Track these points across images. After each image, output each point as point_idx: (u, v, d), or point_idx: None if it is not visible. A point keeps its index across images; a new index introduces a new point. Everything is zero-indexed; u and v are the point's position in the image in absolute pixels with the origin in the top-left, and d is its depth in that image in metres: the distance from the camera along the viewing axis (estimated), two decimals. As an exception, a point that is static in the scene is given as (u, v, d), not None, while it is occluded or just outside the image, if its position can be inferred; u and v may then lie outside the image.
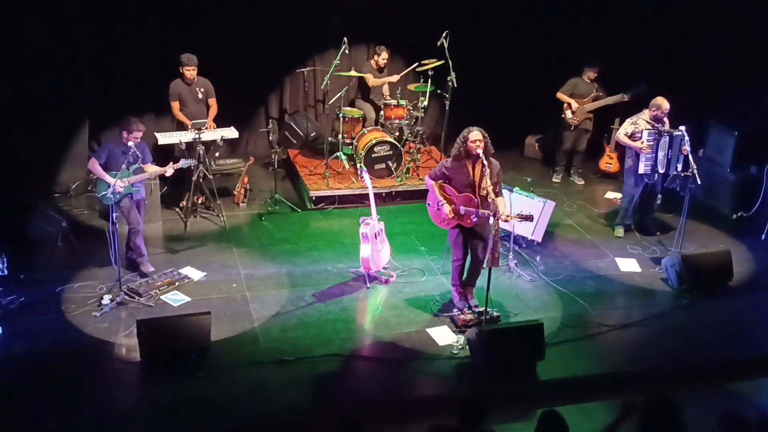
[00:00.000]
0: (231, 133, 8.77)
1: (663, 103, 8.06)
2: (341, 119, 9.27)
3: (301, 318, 6.84)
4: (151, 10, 9.14)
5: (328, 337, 6.58)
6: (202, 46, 8.88)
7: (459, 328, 6.70)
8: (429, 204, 6.76)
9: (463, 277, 6.95)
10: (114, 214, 6.72)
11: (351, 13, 9.88)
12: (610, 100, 9.64)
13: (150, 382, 6.02)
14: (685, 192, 7.91)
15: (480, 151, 6.34)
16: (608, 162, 10.24)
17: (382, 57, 9.66)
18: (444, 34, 9.07)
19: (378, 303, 7.19)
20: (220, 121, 8.77)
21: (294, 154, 10.08)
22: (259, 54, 9.95)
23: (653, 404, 4.21)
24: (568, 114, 9.73)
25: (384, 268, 7.52)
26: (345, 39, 9.07)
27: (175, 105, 8.52)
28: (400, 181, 9.28)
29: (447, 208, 6.53)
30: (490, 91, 10.60)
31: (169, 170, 7.31)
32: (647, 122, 8.12)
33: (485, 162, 6.34)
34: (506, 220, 6.38)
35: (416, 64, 9.61)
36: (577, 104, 9.66)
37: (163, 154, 8.71)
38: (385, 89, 9.84)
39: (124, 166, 6.87)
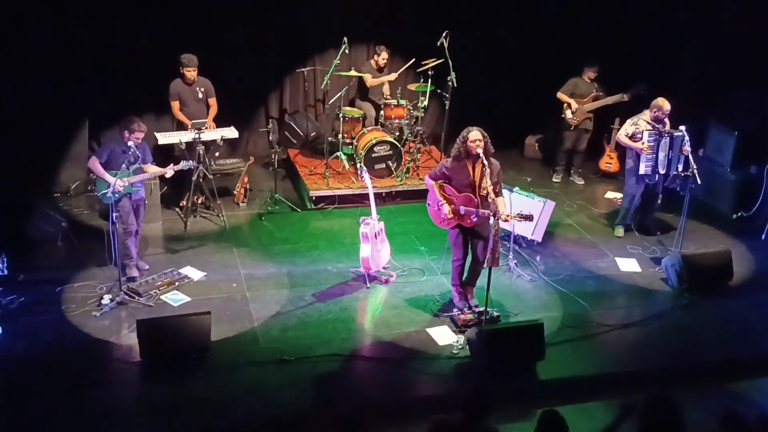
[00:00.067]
0: (231, 133, 8.77)
1: (664, 104, 8.06)
2: (341, 119, 9.27)
3: (301, 318, 6.84)
4: (151, 10, 9.14)
5: (328, 337, 6.58)
6: (202, 46, 8.88)
7: (459, 328, 6.70)
8: (429, 204, 6.76)
9: (463, 277, 6.96)
10: (114, 214, 6.71)
11: (351, 13, 9.88)
12: (609, 100, 9.64)
13: (150, 382, 6.02)
14: (685, 192, 7.91)
15: (480, 151, 6.34)
16: (608, 162, 10.24)
17: (382, 57, 9.67)
18: (444, 34, 9.07)
19: (378, 303, 7.19)
20: (220, 121, 8.77)
21: (294, 154, 10.08)
22: (259, 54, 9.95)
23: (653, 404, 4.21)
24: (568, 114, 9.73)
25: (384, 268, 7.52)
26: (345, 39, 9.07)
27: (175, 105, 8.52)
28: (400, 181, 9.29)
29: (447, 208, 6.53)
30: (490, 91, 10.59)
31: (169, 171, 7.31)
32: (648, 123, 8.12)
33: (485, 162, 6.34)
34: (506, 220, 6.38)
35: (413, 60, 9.62)
36: (577, 104, 9.66)
37: (163, 154, 8.72)
38: (386, 89, 9.84)
39: (124, 165, 6.87)
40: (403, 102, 9.45)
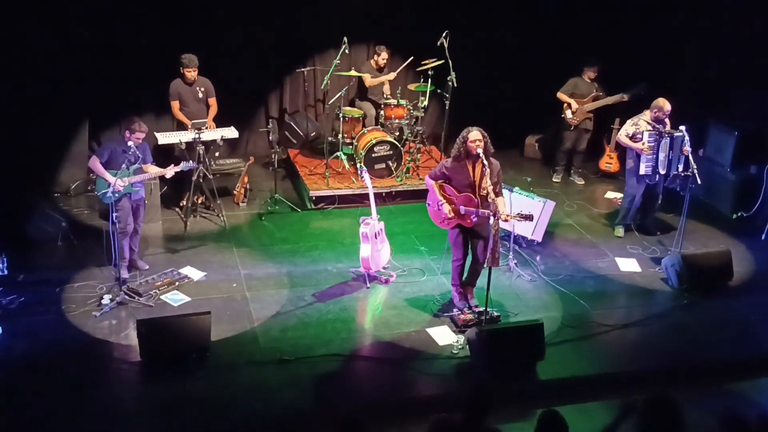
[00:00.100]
0: (231, 132, 8.77)
1: (664, 104, 8.06)
2: (341, 119, 9.28)
3: (301, 318, 6.84)
4: (151, 10, 9.14)
5: (328, 337, 6.58)
6: (202, 46, 8.88)
7: (459, 328, 6.70)
8: (429, 204, 6.76)
9: (463, 277, 6.96)
10: (114, 214, 6.72)
11: (351, 13, 9.87)
12: (609, 100, 9.64)
13: (150, 382, 6.02)
14: (685, 192, 7.92)
15: (480, 151, 6.34)
16: (608, 162, 10.24)
17: (382, 57, 9.67)
18: (444, 34, 9.07)
19: (378, 303, 7.19)
20: (220, 121, 8.77)
21: (294, 153, 10.08)
22: (259, 54, 9.95)
23: (653, 404, 4.21)
24: (568, 114, 9.73)
25: (384, 268, 7.52)
26: (345, 39, 9.07)
27: (175, 104, 8.52)
28: (400, 180, 9.29)
29: (447, 208, 6.53)
30: (490, 91, 10.59)
31: (169, 172, 7.31)
32: (648, 123, 8.12)
33: (485, 162, 6.34)
34: (506, 220, 6.38)
35: (411, 58, 9.61)
36: (577, 104, 9.66)
37: (163, 155, 8.72)
38: (386, 88, 9.84)
39: (124, 165, 6.87)
40: (403, 102, 9.46)
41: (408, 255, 7.97)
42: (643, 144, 8.07)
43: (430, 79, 9.34)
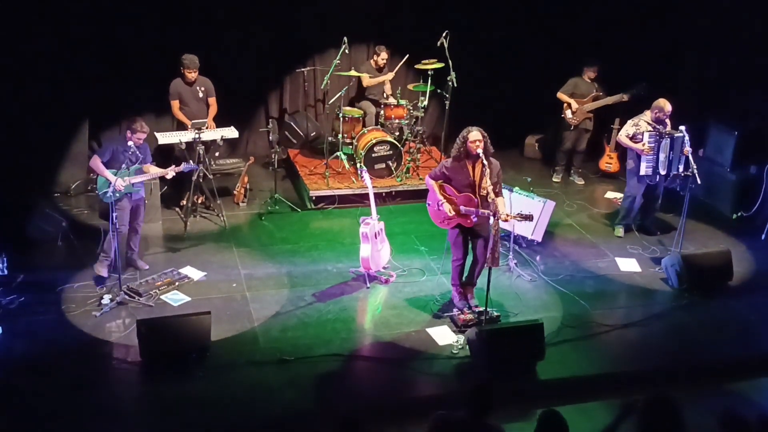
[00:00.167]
0: (231, 132, 8.77)
1: (665, 105, 8.05)
2: (341, 119, 9.28)
3: (301, 318, 6.84)
4: (151, 10, 9.14)
5: (328, 337, 6.58)
6: (202, 46, 8.88)
7: (459, 328, 6.70)
8: (429, 204, 6.76)
9: (463, 277, 6.96)
10: (114, 214, 6.72)
11: (351, 13, 9.87)
12: (609, 100, 9.64)
13: (150, 382, 6.02)
14: (685, 192, 7.92)
15: (480, 151, 6.34)
16: (608, 162, 10.24)
17: (382, 57, 9.67)
18: (444, 34, 9.07)
19: (378, 303, 7.19)
20: (220, 121, 8.77)
21: (294, 153, 10.08)
22: (259, 54, 9.95)
23: (653, 404, 4.21)
24: (568, 114, 9.73)
25: (384, 267, 7.52)
26: (345, 39, 9.07)
27: (175, 104, 8.52)
28: (400, 180, 9.29)
29: (447, 207, 6.53)
30: (490, 91, 10.59)
31: (170, 173, 7.30)
32: (648, 124, 8.12)
33: (485, 162, 6.34)
34: (506, 220, 6.38)
35: (407, 56, 9.61)
36: (577, 104, 9.66)
37: (163, 155, 8.73)
38: (387, 88, 9.83)
39: (124, 165, 6.87)
40: (403, 102, 9.46)
41: (408, 255, 7.97)
42: (644, 144, 8.07)
43: (430, 79, 9.34)
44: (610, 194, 9.76)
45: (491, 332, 6.25)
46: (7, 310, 6.67)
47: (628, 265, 7.98)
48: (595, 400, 6.05)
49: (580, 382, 6.24)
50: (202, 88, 8.56)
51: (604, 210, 9.32)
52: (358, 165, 8.94)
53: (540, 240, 8.15)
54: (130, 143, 6.86)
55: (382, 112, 9.55)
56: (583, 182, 10.12)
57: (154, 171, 7.26)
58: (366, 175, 7.46)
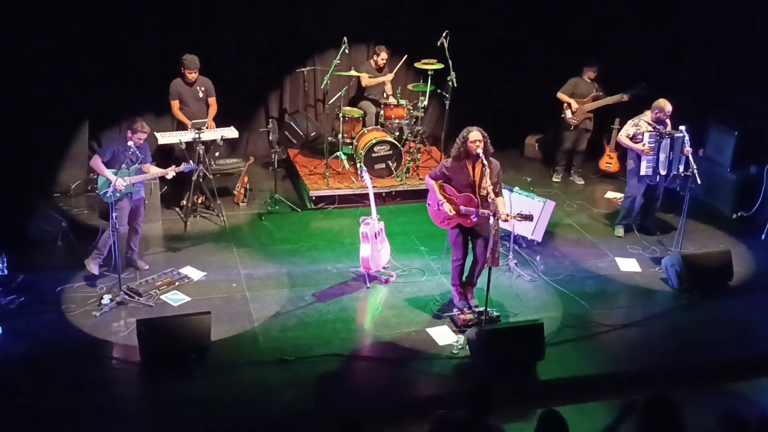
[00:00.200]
0: (231, 132, 8.77)
1: (666, 105, 8.05)
2: (341, 119, 9.28)
3: (301, 318, 6.84)
4: (151, 10, 9.13)
5: (328, 337, 6.58)
6: (202, 46, 8.88)
7: (459, 328, 6.70)
8: (429, 204, 6.76)
9: (463, 277, 6.96)
10: (114, 214, 6.72)
11: (351, 13, 9.87)
12: (609, 100, 9.63)
13: (150, 382, 6.02)
14: (685, 192, 7.92)
15: (480, 151, 6.34)
16: (608, 162, 10.24)
17: (381, 57, 9.66)
18: (444, 34, 9.07)
19: (378, 303, 7.19)
20: (220, 121, 8.77)
21: (294, 153, 10.08)
22: (259, 54, 9.95)
23: (653, 404, 4.21)
24: (568, 114, 9.73)
25: (384, 267, 7.52)
26: (345, 39, 9.07)
27: (175, 104, 8.52)
28: (400, 180, 9.29)
29: (447, 207, 6.53)
30: (490, 91, 10.59)
31: (170, 173, 7.30)
32: (649, 124, 8.12)
33: (485, 162, 6.34)
34: (506, 220, 6.38)
35: (405, 56, 9.61)
36: (577, 104, 9.66)
37: (163, 155, 8.73)
38: (388, 88, 9.81)
39: (124, 165, 6.87)
40: (403, 102, 9.46)
41: (408, 255, 7.97)
42: (644, 145, 8.07)
43: (429, 79, 9.34)
44: (610, 194, 9.76)
45: (491, 332, 6.25)
46: (7, 310, 6.67)
47: (628, 265, 7.98)
48: (595, 400, 6.05)
49: (580, 382, 6.24)
50: (203, 88, 8.56)
51: (604, 210, 9.32)
52: (358, 165, 8.94)
53: (540, 240, 8.15)
54: (130, 143, 6.86)
55: (382, 112, 9.55)
56: (583, 182, 10.12)
57: (154, 171, 7.26)
58: (366, 175, 7.46)
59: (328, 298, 7.15)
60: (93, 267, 7.18)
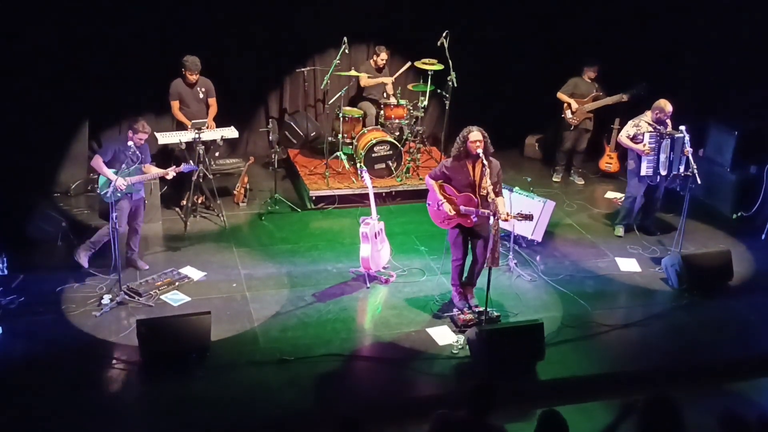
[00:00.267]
0: (231, 132, 8.77)
1: (666, 105, 8.05)
2: (341, 119, 9.28)
3: (301, 318, 6.84)
4: (152, 10, 9.13)
5: (328, 337, 6.58)
6: (203, 46, 8.88)
7: (459, 328, 6.70)
8: (429, 204, 6.76)
9: (463, 277, 6.95)
10: (114, 214, 6.72)
11: (351, 13, 9.87)
12: (609, 100, 9.63)
13: (150, 382, 6.02)
14: (685, 192, 7.92)
15: (480, 151, 6.34)
16: (608, 162, 10.24)
17: (381, 57, 9.66)
18: (444, 34, 9.07)
19: (378, 303, 7.19)
20: (221, 121, 8.77)
21: (294, 153, 10.08)
22: (259, 54, 9.95)
23: (653, 404, 4.21)
24: (568, 114, 9.73)
25: (384, 267, 7.52)
26: (345, 39, 9.07)
27: (175, 104, 8.52)
28: (400, 180, 9.29)
29: (447, 207, 6.53)
30: (490, 90, 10.59)
31: (170, 173, 7.30)
32: (649, 124, 8.12)
33: (485, 162, 6.34)
34: (506, 220, 6.38)
35: (408, 63, 9.61)
36: (577, 104, 9.66)
37: (163, 155, 8.73)
38: (389, 88, 9.80)
39: (124, 165, 6.87)
40: (403, 102, 9.46)
41: (408, 255, 7.97)
42: (644, 145, 8.07)
43: (430, 79, 9.33)
44: (610, 194, 9.76)
45: (491, 332, 6.25)
46: (7, 310, 6.67)
47: (628, 265, 7.98)
48: (595, 400, 6.05)
49: (580, 382, 6.24)
50: (203, 89, 8.56)
51: (604, 210, 9.32)
52: (358, 165, 8.94)
53: (540, 240, 8.15)
54: (130, 143, 6.86)
55: (382, 112, 9.55)
56: (583, 182, 10.12)
57: (154, 171, 7.26)
58: (366, 175, 7.46)
59: (328, 298, 7.15)
60: (83, 258, 7.21)
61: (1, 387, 5.78)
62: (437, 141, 10.05)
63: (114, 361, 6.18)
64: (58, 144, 9.02)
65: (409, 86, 9.79)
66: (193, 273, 7.45)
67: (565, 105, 9.72)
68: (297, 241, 8.25)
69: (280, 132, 9.94)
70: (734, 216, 9.16)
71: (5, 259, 7.05)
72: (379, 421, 5.57)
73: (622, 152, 9.38)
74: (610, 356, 6.58)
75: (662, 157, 8.08)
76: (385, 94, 9.75)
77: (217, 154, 9.24)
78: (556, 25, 10.56)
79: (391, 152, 9.19)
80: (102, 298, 6.86)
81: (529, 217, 6.44)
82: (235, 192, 9.07)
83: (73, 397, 5.71)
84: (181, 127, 8.60)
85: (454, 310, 6.93)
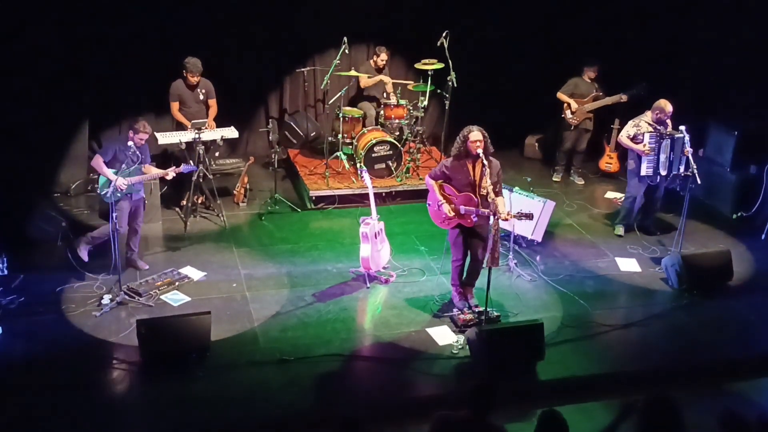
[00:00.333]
0: (231, 132, 8.77)
1: (666, 105, 8.05)
2: (341, 119, 9.28)
3: (301, 318, 6.84)
4: (152, 10, 9.13)
5: (328, 337, 6.58)
6: (203, 46, 8.88)
7: (459, 328, 6.70)
8: (429, 204, 6.76)
9: (463, 277, 6.95)
10: (114, 214, 6.72)
11: (351, 13, 9.87)
12: (608, 100, 9.63)
13: (150, 382, 6.01)
14: (685, 192, 7.92)
15: (480, 151, 6.34)
16: (608, 162, 10.24)
17: (381, 58, 9.66)
18: (444, 34, 9.07)
19: (378, 303, 7.19)
20: (221, 121, 8.77)
21: (294, 153, 10.08)
22: (259, 54, 9.95)
23: (653, 404, 4.21)
24: (568, 114, 9.73)
25: (384, 267, 7.52)
26: (345, 39, 9.07)
27: (175, 105, 8.52)
28: (400, 180, 9.29)
29: (446, 207, 6.53)
30: (490, 91, 10.59)
31: (170, 174, 7.30)
32: (649, 124, 8.12)
33: (485, 162, 6.34)
34: (506, 219, 6.37)
35: (411, 83, 9.66)
36: (576, 104, 9.66)
37: (163, 155, 8.73)
38: (389, 87, 9.80)
39: (124, 166, 6.87)
40: (403, 102, 9.46)
41: (408, 255, 7.97)
42: (644, 145, 8.07)
43: (430, 79, 9.33)
44: (610, 194, 9.76)
45: (491, 332, 6.25)
46: (7, 310, 6.67)
47: (628, 265, 7.98)
48: (595, 400, 6.05)
49: (580, 382, 6.24)
50: (203, 91, 8.56)
51: (604, 210, 9.32)
52: (358, 165, 8.94)
53: (540, 240, 8.15)
54: (130, 143, 6.86)
55: (382, 112, 9.55)
56: (583, 182, 10.12)
57: (154, 172, 7.27)
58: (366, 175, 7.46)
59: (328, 298, 7.15)
60: (83, 252, 7.23)
61: (1, 387, 5.78)
62: (437, 141, 10.04)
63: (114, 361, 6.18)
64: (58, 144, 9.02)
65: (409, 86, 9.79)
66: (193, 273, 7.45)
67: (565, 105, 9.72)
68: (297, 241, 8.25)
69: (280, 132, 9.94)
70: (734, 216, 9.16)
71: (5, 259, 7.05)
72: (379, 421, 5.57)
73: (622, 152, 9.38)
74: (610, 356, 6.58)
75: (662, 157, 8.08)
76: (385, 94, 9.75)
77: (217, 154, 9.24)
78: (556, 25, 10.56)
79: (391, 152, 9.19)
80: (102, 298, 6.86)
81: (529, 216, 6.44)
82: (235, 192, 9.07)
83: (73, 397, 5.71)
84: (180, 127, 8.60)
85: (454, 310, 6.93)
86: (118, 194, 6.88)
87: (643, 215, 8.62)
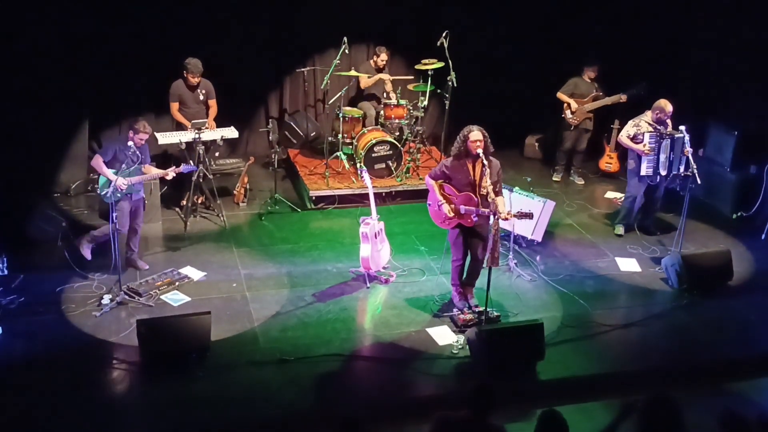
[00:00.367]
0: (231, 132, 8.77)
1: (666, 105, 8.05)
2: (341, 119, 9.28)
3: (301, 318, 6.84)
4: (152, 10, 9.13)
5: (328, 337, 6.58)
6: (203, 45, 8.89)
7: (459, 328, 6.70)
8: (429, 204, 6.76)
9: (463, 277, 6.95)
10: (114, 214, 6.72)
11: (351, 13, 9.87)
12: (608, 100, 9.63)
13: (150, 382, 6.01)
14: (685, 192, 7.91)
15: (480, 150, 6.34)
16: (608, 162, 10.24)
17: (381, 58, 9.66)
18: (444, 34, 9.07)
19: (378, 303, 7.19)
20: (221, 121, 8.77)
21: (294, 153, 10.08)
22: (259, 54, 9.95)
23: (653, 404, 4.21)
24: (568, 114, 9.73)
25: (384, 267, 7.52)
26: (345, 39, 9.07)
27: (174, 106, 8.52)
28: (400, 180, 9.29)
29: (446, 208, 6.53)
30: (490, 91, 10.59)
31: (170, 174, 7.30)
32: (649, 124, 8.12)
33: (485, 161, 6.34)
34: (506, 219, 6.37)
35: (411, 78, 9.64)
36: (576, 104, 9.66)
37: (163, 155, 8.73)
38: (389, 86, 9.80)
39: (124, 166, 6.86)
40: (403, 102, 9.45)
41: (408, 255, 7.97)
42: (644, 145, 8.07)
43: (430, 79, 9.33)
44: (610, 194, 9.76)
45: (491, 332, 6.25)
46: (7, 310, 6.67)
47: (628, 265, 7.98)
48: (595, 400, 6.05)
49: (580, 382, 6.24)
50: (203, 91, 8.56)
51: (604, 210, 9.32)
52: (358, 165, 8.94)
53: (540, 240, 8.15)
54: (130, 143, 6.85)
55: (382, 111, 9.55)
56: (583, 182, 10.13)
57: (154, 172, 7.27)
58: (366, 175, 7.46)
59: (328, 298, 7.15)
60: (86, 250, 7.22)
61: (1, 387, 5.78)
62: (437, 141, 10.04)
63: (114, 361, 6.18)
64: (58, 144, 9.02)
65: (409, 86, 9.79)
66: (193, 273, 7.45)
67: (565, 105, 9.72)
68: (297, 241, 8.25)
69: (280, 132, 9.94)
70: (734, 216, 9.16)
71: (5, 259, 7.05)
72: (379, 421, 5.57)
73: (622, 152, 9.38)
74: (610, 356, 6.58)
75: (662, 157, 8.08)
76: (384, 93, 9.75)
77: (217, 154, 9.24)
78: (556, 25, 10.56)
79: (391, 152, 9.19)
80: (102, 298, 6.86)
81: (528, 215, 6.44)
82: (235, 192, 9.07)
83: (73, 397, 5.71)
84: (180, 128, 8.60)
85: (454, 310, 6.93)
86: (118, 194, 6.88)
87: (643, 215, 8.62)
